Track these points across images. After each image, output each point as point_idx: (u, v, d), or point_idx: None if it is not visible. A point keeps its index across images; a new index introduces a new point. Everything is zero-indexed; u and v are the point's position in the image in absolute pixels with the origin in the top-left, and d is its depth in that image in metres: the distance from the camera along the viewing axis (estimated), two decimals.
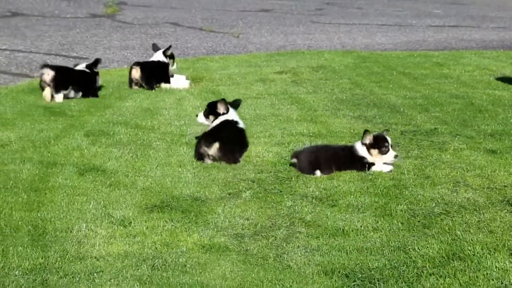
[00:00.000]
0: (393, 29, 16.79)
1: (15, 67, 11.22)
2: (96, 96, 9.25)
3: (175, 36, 14.99)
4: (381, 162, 6.17)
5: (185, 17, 17.96)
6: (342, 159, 6.19)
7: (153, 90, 9.58)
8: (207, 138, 6.50)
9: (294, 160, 6.22)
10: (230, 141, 6.49)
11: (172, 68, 9.86)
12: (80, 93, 9.21)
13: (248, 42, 14.47)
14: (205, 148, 6.44)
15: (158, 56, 9.79)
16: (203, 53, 12.96)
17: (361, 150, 6.18)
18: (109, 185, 5.82)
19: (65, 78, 9.03)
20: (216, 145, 6.41)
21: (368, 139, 6.15)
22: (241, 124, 6.75)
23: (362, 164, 6.15)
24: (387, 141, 6.15)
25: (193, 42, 14.17)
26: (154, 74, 9.71)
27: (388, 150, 6.16)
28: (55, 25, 15.74)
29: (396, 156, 6.17)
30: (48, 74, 8.96)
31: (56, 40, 13.88)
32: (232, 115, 6.75)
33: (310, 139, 7.17)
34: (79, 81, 9.16)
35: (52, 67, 9.13)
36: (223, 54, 12.88)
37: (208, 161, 6.45)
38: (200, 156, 6.48)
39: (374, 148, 6.16)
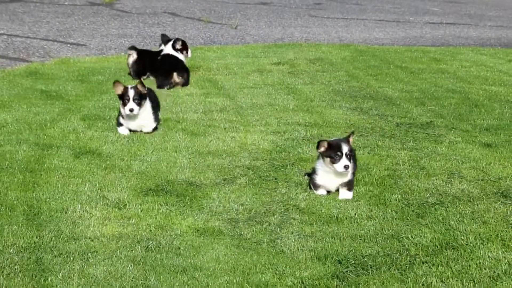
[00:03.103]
0: (391, 25, 16.79)
1: (13, 52, 11.19)
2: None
3: (173, 25, 14.96)
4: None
5: (183, 7, 17.93)
6: None
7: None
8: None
9: None
10: None
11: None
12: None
13: (246, 33, 14.46)
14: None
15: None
16: (201, 43, 12.93)
17: None
18: (104, 168, 5.82)
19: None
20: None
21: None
22: None
23: None
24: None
25: (191, 32, 14.14)
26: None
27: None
28: (53, 12, 15.69)
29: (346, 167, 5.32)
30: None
31: (54, 27, 13.84)
32: None
33: (306, 129, 7.18)
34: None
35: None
36: (221, 45, 12.87)
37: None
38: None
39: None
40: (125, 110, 6.78)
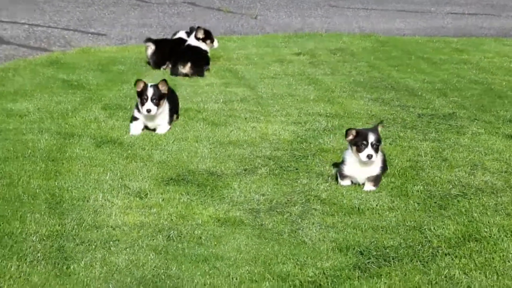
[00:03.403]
0: (412, 15, 16.66)
1: (34, 41, 11.25)
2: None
3: (193, 16, 14.96)
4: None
5: None
6: None
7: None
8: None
9: None
10: None
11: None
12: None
13: (266, 23, 14.42)
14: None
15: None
16: (221, 33, 12.89)
17: None
18: (125, 157, 5.84)
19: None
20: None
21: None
22: None
23: None
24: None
25: (210, 22, 14.13)
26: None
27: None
28: (74, 1, 15.77)
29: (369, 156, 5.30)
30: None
31: (74, 16, 13.90)
32: None
33: (327, 120, 7.15)
34: None
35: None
36: (241, 35, 12.84)
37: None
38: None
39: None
40: (143, 110, 6.46)
